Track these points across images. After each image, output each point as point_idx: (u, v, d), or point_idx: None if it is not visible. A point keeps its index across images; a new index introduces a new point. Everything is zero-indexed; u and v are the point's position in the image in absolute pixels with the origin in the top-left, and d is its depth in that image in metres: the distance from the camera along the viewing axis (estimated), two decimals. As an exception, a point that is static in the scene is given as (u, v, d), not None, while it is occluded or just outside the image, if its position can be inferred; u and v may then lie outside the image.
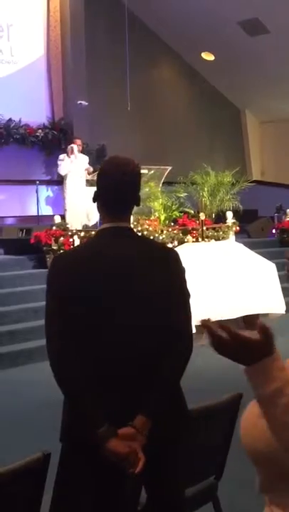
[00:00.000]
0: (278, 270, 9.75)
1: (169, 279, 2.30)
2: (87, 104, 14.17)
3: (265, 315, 9.62)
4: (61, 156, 12.16)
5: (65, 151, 12.42)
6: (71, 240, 10.05)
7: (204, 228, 10.44)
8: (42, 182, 13.46)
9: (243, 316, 9.04)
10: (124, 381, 2.22)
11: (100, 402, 2.18)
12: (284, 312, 9.45)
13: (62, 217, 11.23)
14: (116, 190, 2.34)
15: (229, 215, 11.26)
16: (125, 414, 2.19)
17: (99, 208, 2.40)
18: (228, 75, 17.77)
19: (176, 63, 18.05)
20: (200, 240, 10.27)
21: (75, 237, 10.07)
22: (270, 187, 17.32)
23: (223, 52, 16.99)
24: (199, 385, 5.39)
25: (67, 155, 12.11)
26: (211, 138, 18.67)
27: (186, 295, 2.33)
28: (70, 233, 10.14)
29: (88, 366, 2.19)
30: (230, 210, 11.60)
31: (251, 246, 10.46)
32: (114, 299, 2.23)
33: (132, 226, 2.51)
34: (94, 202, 2.41)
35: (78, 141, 12.23)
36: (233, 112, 19.75)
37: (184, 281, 2.35)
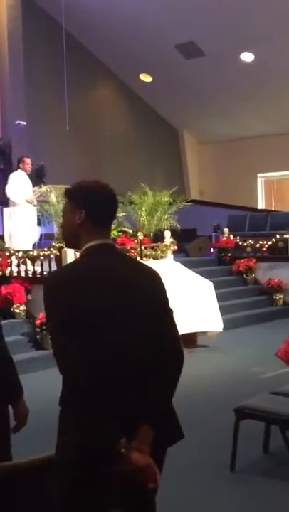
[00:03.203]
0: (216, 288, 9.89)
1: (160, 293, 2.42)
2: (25, 124, 14.12)
3: (204, 333, 9.74)
4: (12, 175, 11.60)
5: (4, 172, 12.19)
6: (9, 260, 9.96)
7: (142, 247, 10.52)
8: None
9: (182, 334, 9.11)
10: (124, 381, 2.25)
11: (115, 415, 2.18)
12: (221, 330, 9.57)
13: (1, 237, 11.10)
14: (106, 207, 2.45)
15: (167, 234, 11.37)
16: (127, 419, 2.21)
17: (84, 226, 2.41)
18: (166, 96, 18.05)
19: (115, 84, 18.21)
20: (138, 259, 10.32)
21: (13, 257, 9.98)
22: (209, 207, 17.58)
23: (160, 74, 17.25)
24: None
25: (22, 168, 11.60)
26: (150, 158, 18.85)
27: (171, 310, 2.44)
28: (7, 253, 10.04)
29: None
30: (168, 229, 11.73)
31: (189, 265, 10.58)
32: (114, 311, 2.28)
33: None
34: (78, 222, 2.41)
35: (28, 160, 11.79)
36: (171, 132, 20.03)
37: (168, 298, 2.46)
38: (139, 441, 2.19)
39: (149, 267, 2.53)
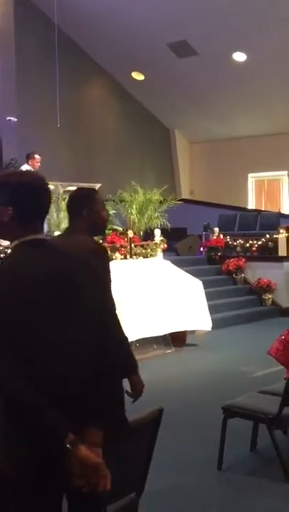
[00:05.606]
0: (205, 288, 9.89)
1: (96, 283, 2.29)
2: (16, 120, 14.05)
3: (192, 332, 9.75)
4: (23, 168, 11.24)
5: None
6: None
7: (132, 245, 10.50)
8: None
9: (171, 333, 9.12)
10: (66, 380, 2.12)
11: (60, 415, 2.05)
12: (210, 329, 9.58)
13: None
14: (36, 199, 2.25)
15: (157, 232, 11.37)
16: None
17: (11, 224, 2.23)
18: (158, 95, 18.04)
19: (107, 82, 18.17)
20: (128, 257, 10.32)
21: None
22: (199, 206, 17.59)
23: (152, 72, 17.22)
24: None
25: (30, 165, 11.40)
26: (141, 157, 18.84)
27: (112, 297, 2.34)
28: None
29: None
30: (158, 227, 11.73)
31: (179, 264, 10.58)
32: (56, 314, 2.14)
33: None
34: (5, 219, 2.22)
35: (38, 158, 11.64)
36: (162, 131, 20.01)
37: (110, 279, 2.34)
38: (90, 445, 2.08)
39: (82, 257, 2.32)
